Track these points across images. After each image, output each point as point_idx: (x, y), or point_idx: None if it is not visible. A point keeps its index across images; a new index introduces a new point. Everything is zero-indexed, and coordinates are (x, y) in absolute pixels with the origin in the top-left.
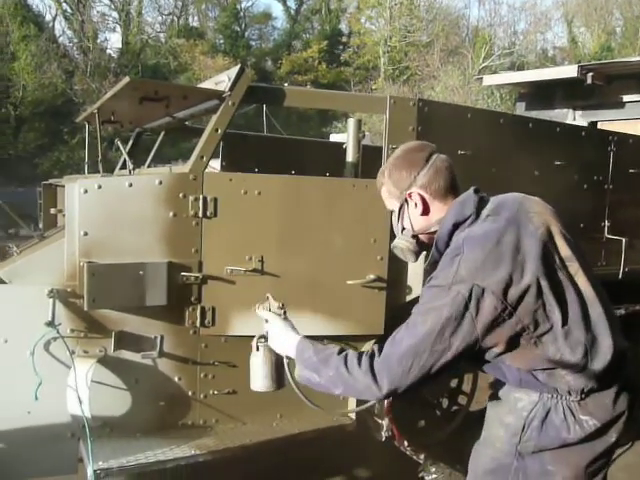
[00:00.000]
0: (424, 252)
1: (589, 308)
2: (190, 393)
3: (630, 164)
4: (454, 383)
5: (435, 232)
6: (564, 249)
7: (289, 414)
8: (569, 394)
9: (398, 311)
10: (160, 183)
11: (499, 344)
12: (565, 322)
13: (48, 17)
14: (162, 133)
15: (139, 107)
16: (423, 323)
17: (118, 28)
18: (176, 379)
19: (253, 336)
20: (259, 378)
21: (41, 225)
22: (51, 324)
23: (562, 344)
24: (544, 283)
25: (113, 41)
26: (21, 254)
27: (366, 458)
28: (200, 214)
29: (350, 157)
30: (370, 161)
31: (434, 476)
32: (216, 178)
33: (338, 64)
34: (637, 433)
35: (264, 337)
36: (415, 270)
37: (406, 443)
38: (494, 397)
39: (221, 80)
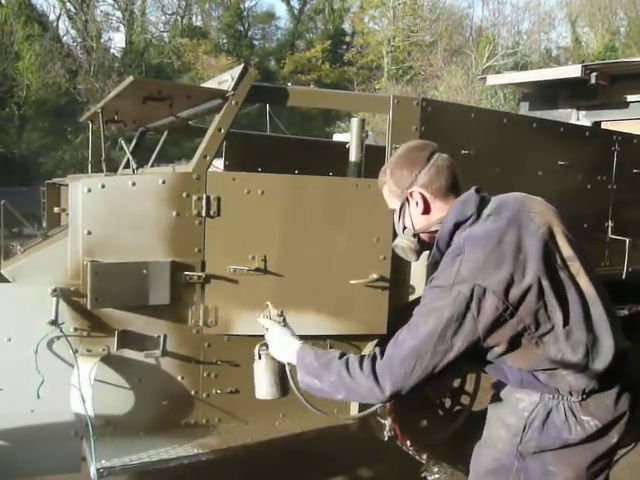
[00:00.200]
0: (426, 251)
1: (590, 308)
2: (193, 392)
3: (634, 164)
4: (457, 383)
5: (436, 231)
6: (566, 249)
7: (291, 413)
8: (570, 394)
9: (401, 311)
10: (163, 182)
11: (501, 344)
12: (566, 322)
13: (52, 17)
14: (165, 132)
15: (142, 106)
16: (425, 324)
17: (122, 28)
18: (179, 378)
19: (256, 336)
20: (263, 386)
21: (45, 224)
22: (54, 323)
23: (563, 344)
24: (545, 283)
25: (117, 41)
26: (25, 253)
27: (368, 458)
28: (203, 213)
29: (353, 157)
30: (373, 161)
31: (436, 476)
32: (219, 177)
33: (341, 64)
34: (639, 433)
35: (266, 345)
36: (418, 270)
37: (408, 443)
38: (495, 397)
39: (224, 79)
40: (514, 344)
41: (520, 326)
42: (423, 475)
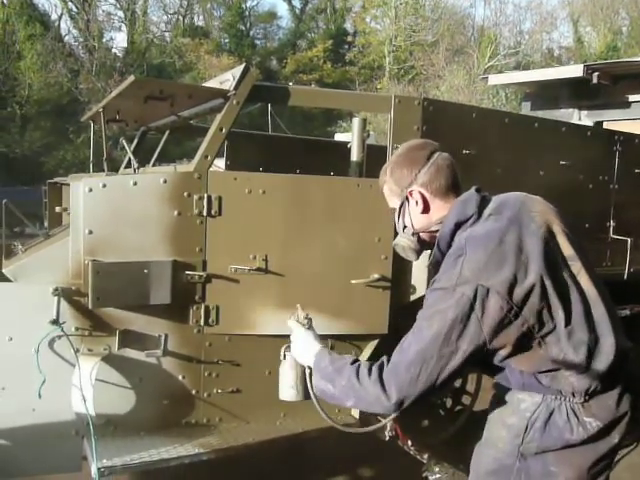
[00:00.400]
0: (426, 251)
1: (592, 307)
2: (194, 392)
3: (636, 164)
4: (458, 383)
5: (436, 231)
6: (567, 248)
7: (293, 413)
8: (573, 395)
9: (402, 310)
10: (165, 182)
11: (506, 346)
12: (568, 322)
13: (54, 16)
14: (167, 132)
15: (144, 106)
16: (429, 327)
17: (123, 27)
18: (180, 378)
19: (256, 335)
20: (284, 388)
21: (46, 224)
22: (56, 322)
23: (565, 344)
24: (548, 282)
25: (118, 40)
26: (26, 252)
27: (370, 457)
28: (204, 213)
29: (355, 156)
30: (375, 160)
31: (438, 476)
32: (221, 177)
33: (343, 63)
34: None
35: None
36: (419, 269)
37: (410, 443)
38: (497, 397)
39: (226, 79)
40: (519, 346)
41: (525, 327)
42: (424, 475)
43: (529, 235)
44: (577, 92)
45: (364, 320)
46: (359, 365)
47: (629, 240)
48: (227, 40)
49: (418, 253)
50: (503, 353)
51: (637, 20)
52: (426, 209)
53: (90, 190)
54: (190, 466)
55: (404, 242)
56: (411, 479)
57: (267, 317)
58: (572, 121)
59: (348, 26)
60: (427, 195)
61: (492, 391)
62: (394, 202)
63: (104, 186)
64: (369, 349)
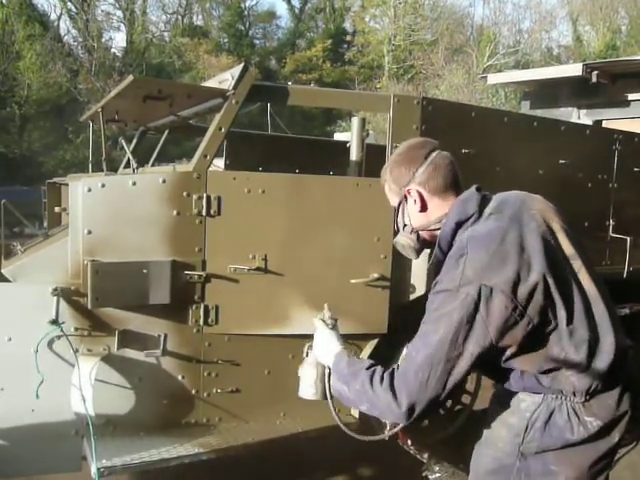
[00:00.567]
0: (427, 249)
1: (592, 306)
2: (193, 391)
3: (635, 163)
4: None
5: (436, 229)
6: (567, 246)
7: (292, 412)
8: (574, 395)
9: (401, 310)
10: (164, 182)
11: (512, 346)
12: (570, 321)
13: (53, 16)
14: (166, 132)
15: (143, 106)
16: (435, 331)
17: (123, 27)
18: (179, 377)
19: (256, 335)
20: (304, 386)
21: (46, 224)
22: (55, 322)
23: (566, 343)
24: (550, 280)
25: (118, 40)
26: (25, 252)
27: (369, 457)
28: (204, 213)
29: (354, 156)
30: (374, 160)
31: (438, 475)
32: (220, 177)
33: (342, 63)
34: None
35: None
36: (419, 269)
37: (410, 442)
38: (497, 397)
39: (225, 79)
40: (524, 345)
41: (530, 326)
42: (424, 474)
43: (530, 233)
44: (576, 91)
45: (363, 320)
46: (374, 371)
47: (628, 239)
48: (226, 40)
49: (418, 252)
50: (508, 353)
51: (636, 19)
52: (424, 208)
53: (89, 190)
54: (190, 466)
55: (404, 240)
56: (411, 479)
57: (266, 317)
58: (571, 120)
59: (347, 25)
60: (424, 194)
61: (492, 390)
62: (394, 201)
63: (103, 186)
64: (368, 349)
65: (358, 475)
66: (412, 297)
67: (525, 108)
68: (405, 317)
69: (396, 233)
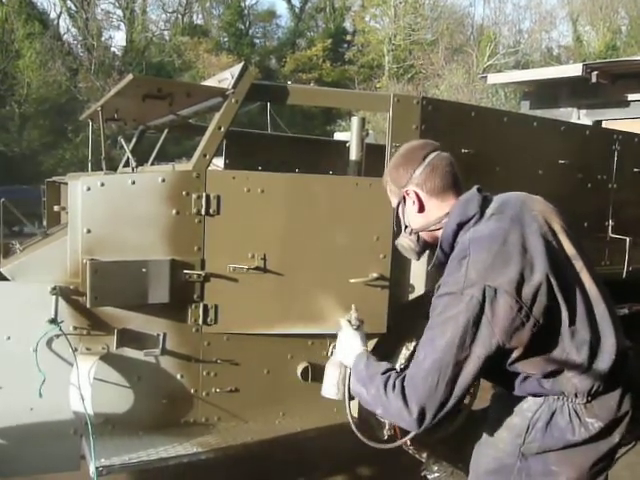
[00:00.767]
0: (428, 251)
1: (594, 306)
2: (192, 391)
3: (634, 163)
4: None
5: (436, 230)
6: (568, 247)
7: (291, 412)
8: (575, 396)
9: (400, 310)
10: (163, 181)
11: (518, 348)
12: (572, 321)
13: (53, 15)
14: (165, 131)
15: (142, 105)
16: (442, 335)
17: (122, 26)
18: (178, 377)
19: (255, 334)
20: (327, 385)
21: (45, 222)
22: (54, 321)
23: (568, 343)
24: (553, 281)
25: (117, 39)
26: (24, 251)
27: (368, 456)
28: (203, 212)
29: (353, 155)
30: (373, 159)
31: (436, 474)
32: (219, 176)
33: (342, 62)
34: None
35: None
36: (418, 268)
37: (408, 442)
38: (497, 397)
39: (224, 78)
40: (529, 348)
41: (536, 328)
42: (423, 474)
43: (532, 234)
44: (576, 91)
45: (363, 319)
46: (389, 376)
47: (628, 239)
48: (226, 39)
49: (419, 254)
50: (514, 356)
51: (636, 19)
52: (421, 208)
53: (88, 189)
54: (189, 465)
55: (405, 242)
56: (410, 478)
57: (266, 316)
58: (571, 120)
59: (347, 25)
60: (422, 194)
61: (491, 390)
62: (394, 202)
63: (102, 185)
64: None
65: (358, 475)
66: (411, 297)
67: (525, 108)
68: (404, 317)
69: (395, 233)
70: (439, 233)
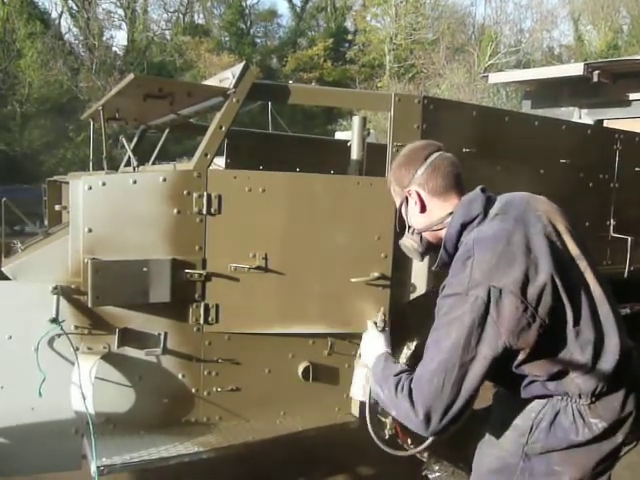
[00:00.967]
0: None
1: (598, 307)
2: (193, 390)
3: (636, 162)
4: None
5: (439, 230)
6: (572, 247)
7: (292, 412)
8: (579, 397)
9: (402, 309)
10: (164, 180)
11: (525, 349)
12: (577, 322)
13: (54, 14)
14: (166, 130)
15: (144, 104)
16: (447, 336)
17: (124, 25)
18: (180, 376)
19: (256, 334)
20: (354, 387)
21: (46, 222)
22: (55, 321)
23: (572, 344)
24: (558, 281)
25: (119, 38)
26: (26, 251)
27: (369, 456)
28: (204, 211)
29: (355, 155)
30: (375, 159)
31: (437, 474)
32: (220, 175)
33: (343, 62)
34: None
35: None
36: (419, 268)
37: (409, 441)
38: (500, 396)
39: (225, 77)
40: (536, 349)
41: (542, 328)
42: (424, 474)
43: (536, 234)
44: (577, 90)
45: (364, 319)
46: (400, 378)
47: (629, 239)
48: (227, 38)
49: (422, 254)
50: (520, 358)
51: (638, 19)
52: (423, 209)
53: (90, 188)
54: (190, 465)
55: (408, 242)
56: (411, 478)
57: (267, 315)
58: (572, 119)
59: (348, 24)
60: (423, 195)
61: (492, 389)
62: (398, 202)
63: (104, 184)
64: None
65: (358, 475)
66: (412, 296)
67: (526, 107)
68: (405, 316)
69: (399, 233)
70: (442, 233)
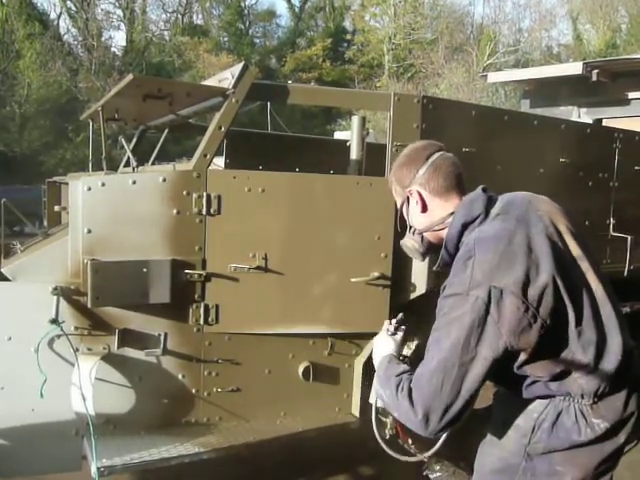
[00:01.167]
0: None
1: (600, 307)
2: (194, 391)
3: (635, 161)
4: None
5: (440, 230)
6: (574, 247)
7: (293, 412)
8: (582, 397)
9: (402, 309)
10: (164, 180)
11: (527, 350)
12: (579, 322)
13: (53, 15)
14: (166, 130)
15: (143, 104)
16: (447, 336)
17: (122, 26)
18: (180, 377)
19: (256, 334)
20: (372, 391)
21: (45, 222)
22: (55, 321)
23: (574, 344)
24: (560, 282)
25: (117, 39)
26: (25, 251)
27: (370, 456)
28: (204, 211)
29: (354, 154)
30: (374, 159)
31: (438, 474)
32: (220, 176)
33: (342, 62)
34: None
35: None
36: (419, 268)
37: (410, 441)
38: (501, 396)
39: (225, 77)
40: (537, 349)
41: (543, 329)
42: (425, 473)
43: (537, 234)
44: (576, 89)
45: (364, 318)
46: (401, 378)
47: (629, 237)
48: (226, 39)
49: (424, 255)
50: (522, 359)
51: (636, 18)
52: (425, 209)
53: (89, 189)
54: (190, 465)
55: (409, 243)
56: (411, 478)
57: (267, 316)
58: (571, 118)
59: (347, 24)
60: (425, 194)
61: (493, 389)
62: (399, 202)
63: (103, 185)
64: (369, 348)
65: (358, 475)
66: (413, 296)
67: (525, 107)
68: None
69: (400, 234)
70: (443, 233)
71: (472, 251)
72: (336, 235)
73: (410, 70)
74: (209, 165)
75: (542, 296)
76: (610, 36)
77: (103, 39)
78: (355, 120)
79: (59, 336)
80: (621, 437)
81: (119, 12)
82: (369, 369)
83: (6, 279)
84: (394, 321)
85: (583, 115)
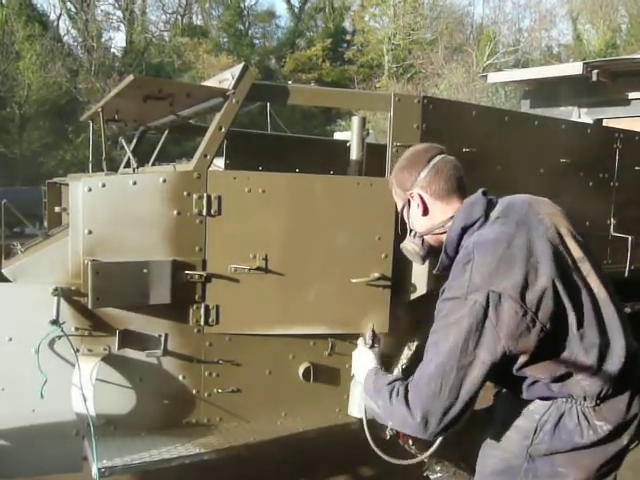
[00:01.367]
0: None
1: (602, 309)
2: (194, 391)
3: (636, 161)
4: None
5: (441, 234)
6: (575, 250)
7: (293, 412)
8: (584, 399)
9: (402, 309)
10: (164, 181)
11: (526, 352)
12: (580, 325)
13: (52, 16)
14: (166, 131)
15: (143, 105)
16: (445, 340)
17: (122, 27)
18: (180, 377)
19: (257, 335)
20: (351, 403)
21: (46, 224)
22: (55, 322)
23: (577, 347)
24: (559, 285)
25: (117, 40)
26: (25, 252)
27: (370, 456)
28: (204, 212)
29: (354, 155)
30: (374, 159)
31: (439, 475)
32: (220, 176)
33: (342, 62)
34: None
35: None
36: (420, 268)
37: (411, 442)
38: (502, 397)
39: (225, 78)
40: (537, 352)
41: (542, 333)
42: (425, 474)
43: (538, 238)
44: (576, 90)
45: (364, 319)
46: (394, 385)
47: (630, 238)
48: (226, 39)
49: (424, 258)
50: (521, 361)
51: (636, 17)
52: (426, 212)
53: (89, 190)
54: (191, 466)
55: (409, 246)
56: (412, 479)
57: (267, 316)
58: (572, 119)
59: (347, 25)
60: (426, 197)
61: (493, 390)
62: (400, 205)
63: (103, 186)
64: None
65: (358, 475)
66: (413, 296)
67: (525, 107)
68: (406, 316)
69: (400, 236)
70: (444, 237)
71: (471, 254)
72: (336, 236)
73: (410, 70)
74: (209, 166)
75: (541, 300)
76: (610, 36)
77: (103, 40)
78: (355, 121)
79: (60, 337)
80: (624, 439)
81: (119, 13)
82: None
83: (7, 280)
84: (368, 333)
85: (583, 115)
